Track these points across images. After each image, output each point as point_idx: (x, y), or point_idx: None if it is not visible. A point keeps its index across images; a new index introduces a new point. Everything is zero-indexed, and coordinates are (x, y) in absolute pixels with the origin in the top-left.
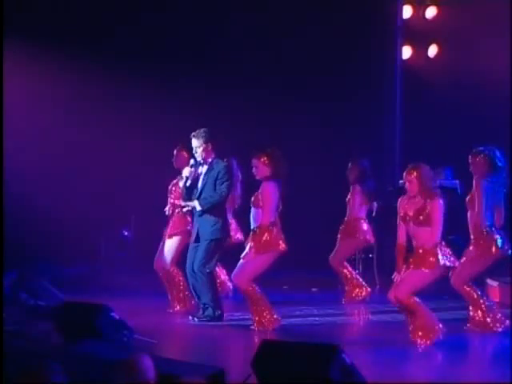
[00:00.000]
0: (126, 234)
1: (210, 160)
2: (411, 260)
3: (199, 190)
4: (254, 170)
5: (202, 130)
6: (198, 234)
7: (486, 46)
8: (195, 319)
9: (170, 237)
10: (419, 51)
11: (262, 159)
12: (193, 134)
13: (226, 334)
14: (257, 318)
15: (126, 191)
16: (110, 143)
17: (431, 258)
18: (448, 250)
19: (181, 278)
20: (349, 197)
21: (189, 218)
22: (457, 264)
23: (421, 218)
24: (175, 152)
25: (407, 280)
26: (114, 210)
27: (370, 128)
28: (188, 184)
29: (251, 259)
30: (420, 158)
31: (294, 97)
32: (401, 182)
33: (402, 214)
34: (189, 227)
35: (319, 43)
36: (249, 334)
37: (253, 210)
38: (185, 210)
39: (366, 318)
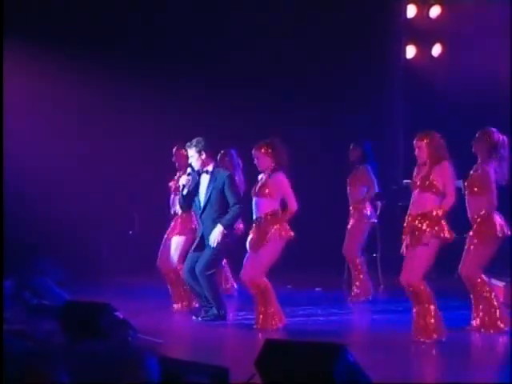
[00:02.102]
0: (130, 232)
1: (208, 169)
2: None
3: (204, 201)
4: (255, 161)
5: (195, 139)
6: (202, 237)
7: (489, 46)
8: (199, 318)
9: (176, 235)
10: (423, 50)
11: (263, 149)
12: (187, 144)
13: (231, 334)
14: (261, 316)
15: (129, 190)
16: (111, 142)
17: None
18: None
19: None
20: (350, 176)
21: (194, 217)
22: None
23: (426, 183)
24: (174, 151)
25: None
26: (117, 209)
27: (372, 128)
28: (185, 192)
29: (262, 251)
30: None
31: (295, 97)
32: (405, 181)
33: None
34: (193, 225)
35: (321, 43)
36: (253, 334)
37: (255, 199)
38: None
39: (371, 317)
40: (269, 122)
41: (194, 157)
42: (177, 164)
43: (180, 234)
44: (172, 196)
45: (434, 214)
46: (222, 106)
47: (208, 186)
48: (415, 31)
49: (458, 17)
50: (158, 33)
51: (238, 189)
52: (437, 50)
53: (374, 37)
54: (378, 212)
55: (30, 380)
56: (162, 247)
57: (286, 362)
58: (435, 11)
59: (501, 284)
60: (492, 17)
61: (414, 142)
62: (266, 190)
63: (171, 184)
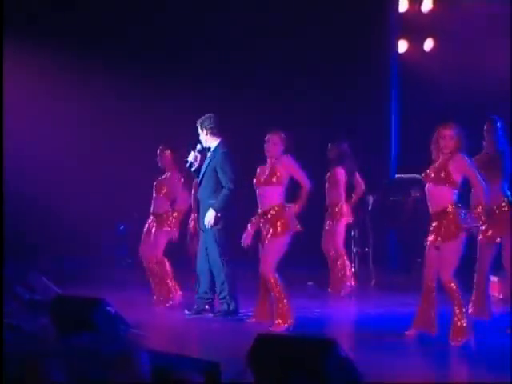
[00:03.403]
0: (121, 228)
1: (213, 146)
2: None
3: (200, 178)
4: (267, 145)
5: (203, 116)
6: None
7: (481, 40)
8: (210, 315)
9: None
10: (415, 45)
11: (280, 136)
12: (198, 121)
13: (223, 328)
14: (278, 311)
15: (126, 188)
16: (110, 141)
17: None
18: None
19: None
20: (328, 175)
21: None
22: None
23: (442, 175)
24: (158, 152)
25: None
26: (113, 205)
27: (364, 123)
28: (193, 169)
29: (271, 244)
30: (416, 153)
31: (287, 97)
32: (397, 175)
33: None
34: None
35: (315, 40)
36: (246, 328)
37: (260, 189)
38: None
39: (362, 312)
40: (269, 121)
41: (201, 134)
42: (160, 164)
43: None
44: (154, 195)
45: (451, 209)
46: (222, 106)
47: (205, 163)
48: (407, 26)
49: (449, 11)
50: (158, 32)
51: (230, 168)
52: (428, 44)
53: (367, 31)
54: (370, 207)
55: (24, 376)
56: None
57: (277, 357)
58: (427, 6)
59: (495, 278)
60: (483, 12)
61: (441, 131)
62: (274, 179)
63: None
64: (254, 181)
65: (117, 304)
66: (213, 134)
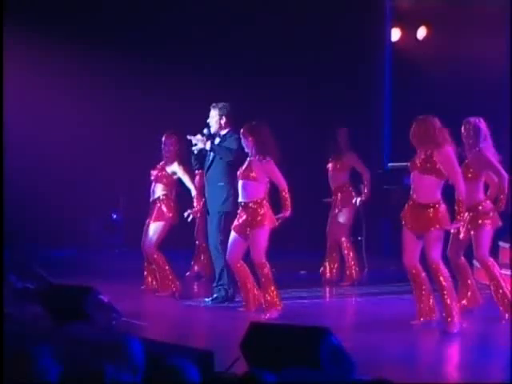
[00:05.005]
0: (114, 217)
1: (223, 133)
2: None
3: (209, 162)
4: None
5: (222, 103)
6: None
7: (474, 29)
8: (209, 302)
9: (155, 221)
10: (408, 33)
11: (249, 129)
12: (213, 104)
13: (216, 317)
14: (268, 297)
15: (115, 175)
16: (99, 129)
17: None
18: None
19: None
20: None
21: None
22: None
23: (427, 165)
24: (164, 139)
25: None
26: (103, 193)
27: (358, 114)
28: (196, 151)
29: (256, 236)
30: (410, 142)
31: (277, 84)
32: (390, 164)
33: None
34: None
35: (306, 26)
36: (239, 317)
37: (242, 182)
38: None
39: (355, 300)
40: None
41: (214, 118)
42: (164, 152)
43: (156, 220)
44: (153, 184)
45: (437, 206)
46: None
47: None
48: (400, 14)
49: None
50: (158, 23)
51: (234, 147)
52: (422, 32)
53: (359, 18)
54: (363, 196)
55: (16, 364)
56: (143, 233)
57: (270, 346)
58: None
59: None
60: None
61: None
62: (251, 176)
63: (153, 172)
64: (238, 172)
65: (109, 293)
66: (230, 121)
